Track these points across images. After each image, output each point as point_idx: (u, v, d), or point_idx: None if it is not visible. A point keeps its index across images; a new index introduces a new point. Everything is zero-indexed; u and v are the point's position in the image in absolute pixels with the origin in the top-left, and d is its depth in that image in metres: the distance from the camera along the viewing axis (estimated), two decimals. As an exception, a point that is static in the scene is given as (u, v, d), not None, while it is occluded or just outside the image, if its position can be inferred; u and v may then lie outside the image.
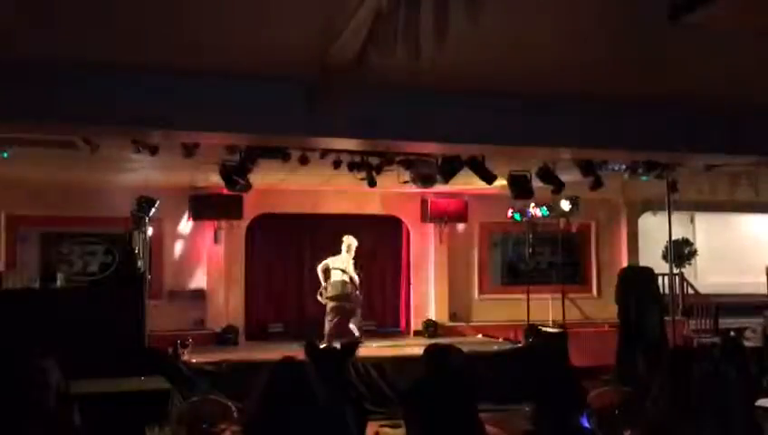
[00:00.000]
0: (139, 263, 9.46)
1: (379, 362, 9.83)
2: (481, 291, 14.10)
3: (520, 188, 9.86)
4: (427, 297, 13.71)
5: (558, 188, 9.64)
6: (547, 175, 9.30)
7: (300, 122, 6.50)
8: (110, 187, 11.33)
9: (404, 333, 13.52)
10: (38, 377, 4.12)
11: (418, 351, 5.46)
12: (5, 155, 8.06)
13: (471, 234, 14.05)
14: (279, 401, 3.70)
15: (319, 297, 11.34)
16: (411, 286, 13.76)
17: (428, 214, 13.31)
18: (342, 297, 11.18)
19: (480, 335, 12.71)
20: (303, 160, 8.45)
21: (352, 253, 11.37)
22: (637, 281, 10.74)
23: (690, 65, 6.09)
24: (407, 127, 6.94)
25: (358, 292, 11.41)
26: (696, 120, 7.52)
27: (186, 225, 12.72)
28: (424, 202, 13.26)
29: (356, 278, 11.35)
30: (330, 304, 11.18)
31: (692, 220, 16.25)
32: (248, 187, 9.40)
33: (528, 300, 12.76)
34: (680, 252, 14.75)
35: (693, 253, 15.67)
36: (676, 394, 3.91)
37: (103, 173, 10.44)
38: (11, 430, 3.92)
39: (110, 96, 6.16)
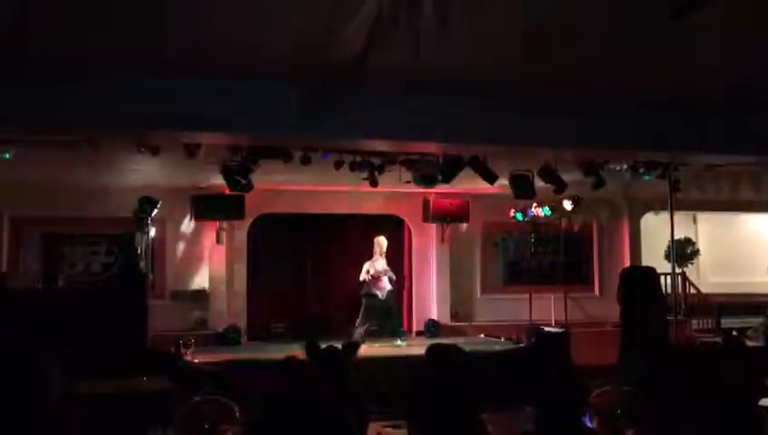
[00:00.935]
0: (142, 263, 9.47)
1: (380, 362, 9.83)
2: (483, 291, 14.09)
3: (522, 187, 9.85)
4: (429, 297, 13.71)
5: (560, 187, 9.63)
6: (549, 175, 9.30)
7: (300, 122, 6.51)
8: (113, 187, 11.33)
9: (406, 333, 13.52)
10: (40, 378, 4.13)
11: (420, 351, 5.46)
12: (8, 156, 8.07)
13: (473, 234, 14.04)
14: (281, 401, 3.71)
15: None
16: (413, 286, 13.76)
17: (430, 214, 13.29)
18: (388, 298, 11.47)
19: (482, 335, 12.70)
20: (305, 160, 8.46)
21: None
22: (639, 281, 10.71)
23: (690, 65, 6.09)
24: (407, 127, 6.95)
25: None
26: (695, 120, 7.52)
27: (188, 225, 12.72)
28: (426, 202, 13.25)
29: (393, 277, 11.57)
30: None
31: (694, 220, 16.23)
32: (250, 187, 9.41)
33: (530, 300, 12.76)
34: (682, 252, 14.75)
35: (695, 252, 15.66)
36: (678, 394, 3.91)
37: (105, 174, 10.45)
38: (12, 431, 3.92)
39: (110, 96, 6.18)
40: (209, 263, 12.74)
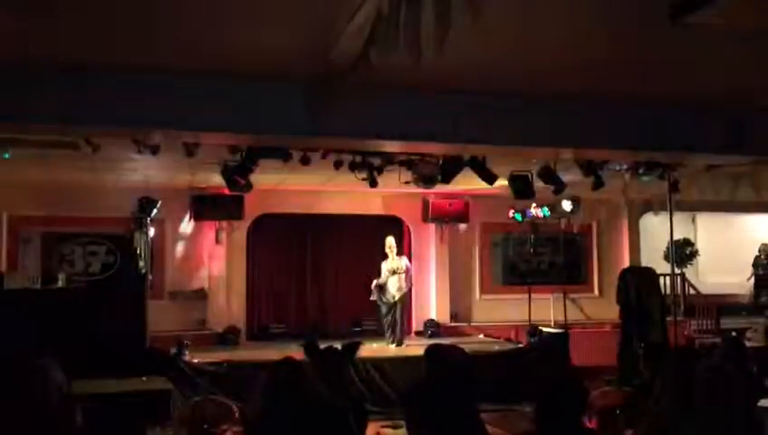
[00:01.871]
0: (141, 263, 9.48)
1: (379, 363, 9.83)
2: (482, 291, 14.10)
3: (521, 188, 9.86)
4: (428, 297, 13.71)
5: (559, 188, 9.64)
6: (548, 175, 9.30)
7: (300, 122, 6.51)
8: (112, 187, 11.33)
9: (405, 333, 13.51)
10: (39, 377, 4.12)
11: (419, 351, 5.46)
12: (7, 156, 8.06)
13: (472, 234, 14.05)
14: (280, 401, 3.70)
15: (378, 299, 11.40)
16: (412, 286, 13.75)
17: (429, 214, 13.31)
18: (406, 294, 11.50)
19: (481, 335, 12.71)
20: (305, 161, 8.45)
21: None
22: (638, 281, 10.73)
23: (690, 65, 6.09)
24: (407, 127, 6.95)
25: None
26: (696, 120, 7.52)
27: (187, 225, 12.73)
28: (425, 202, 13.27)
29: (403, 270, 11.57)
30: (399, 304, 11.32)
31: (693, 220, 16.25)
32: (249, 187, 9.41)
33: (529, 300, 12.76)
34: (682, 252, 14.75)
35: (694, 253, 15.67)
36: (677, 394, 3.90)
37: (105, 173, 10.44)
38: (11, 431, 3.92)
39: (110, 96, 6.17)
40: (208, 263, 12.75)
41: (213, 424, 5.27)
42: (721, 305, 13.85)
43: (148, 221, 9.99)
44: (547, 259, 13.97)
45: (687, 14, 3.96)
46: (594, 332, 12.59)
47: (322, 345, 6.19)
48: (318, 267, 13.43)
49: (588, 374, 7.09)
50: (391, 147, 8.20)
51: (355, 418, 4.42)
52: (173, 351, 9.62)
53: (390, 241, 11.53)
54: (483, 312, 13.80)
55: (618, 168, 9.46)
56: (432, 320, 13.34)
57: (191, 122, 6.55)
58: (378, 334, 11.75)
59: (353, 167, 8.95)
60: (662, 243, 13.16)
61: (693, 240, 15.89)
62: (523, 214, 12.66)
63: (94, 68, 5.96)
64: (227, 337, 12.02)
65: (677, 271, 12.94)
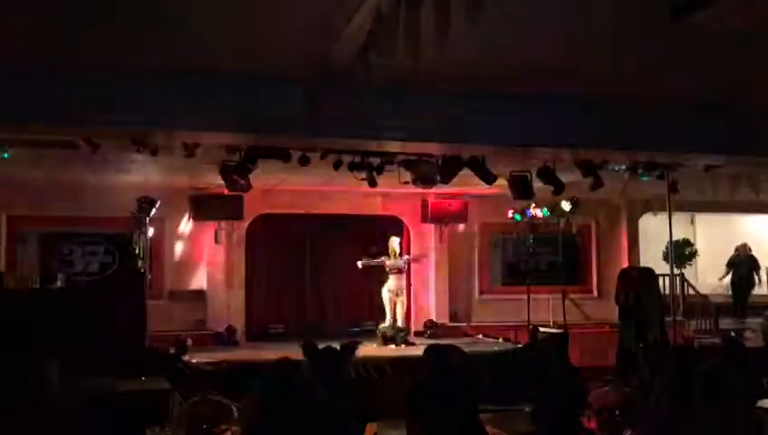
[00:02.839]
0: (140, 263, 9.46)
1: (379, 363, 9.82)
2: (481, 291, 14.10)
3: (520, 188, 9.85)
4: (428, 297, 13.71)
5: (558, 188, 9.63)
6: (547, 175, 9.29)
7: (299, 122, 6.51)
8: (111, 187, 11.32)
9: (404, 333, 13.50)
10: (38, 377, 4.13)
11: (419, 351, 5.46)
12: (6, 155, 8.05)
13: (471, 234, 14.04)
14: (278, 401, 3.70)
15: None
16: (411, 287, 13.75)
17: (429, 214, 13.31)
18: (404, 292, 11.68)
19: (480, 335, 12.70)
20: (304, 161, 8.44)
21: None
22: (637, 282, 10.73)
23: (690, 65, 6.10)
24: (407, 127, 6.95)
25: None
26: (696, 120, 7.53)
27: (186, 225, 12.71)
28: (424, 202, 13.26)
29: (401, 266, 11.73)
30: (399, 304, 11.50)
31: (692, 221, 16.26)
32: (249, 187, 9.40)
33: (528, 300, 12.76)
34: (681, 253, 14.75)
35: (693, 253, 15.67)
36: (676, 394, 3.91)
37: (104, 173, 10.43)
38: (11, 431, 3.92)
39: (109, 96, 6.17)
40: (208, 263, 12.73)
41: (212, 424, 5.27)
42: (720, 306, 13.84)
43: (148, 221, 9.96)
44: (546, 259, 13.96)
45: (687, 14, 3.96)
46: (593, 332, 12.59)
47: (321, 345, 6.18)
48: (317, 268, 13.41)
49: (586, 374, 7.08)
50: (391, 147, 8.20)
51: (354, 418, 4.42)
52: (172, 351, 9.61)
53: (394, 244, 11.56)
54: (482, 312, 13.79)
55: (617, 168, 9.46)
56: (431, 320, 13.33)
57: (191, 122, 6.55)
58: (377, 335, 11.74)
59: (353, 167, 8.94)
60: (661, 243, 13.17)
61: (692, 241, 15.89)
62: (523, 214, 12.65)
63: (94, 68, 5.96)
64: (226, 337, 12.01)
65: (676, 271, 12.93)
